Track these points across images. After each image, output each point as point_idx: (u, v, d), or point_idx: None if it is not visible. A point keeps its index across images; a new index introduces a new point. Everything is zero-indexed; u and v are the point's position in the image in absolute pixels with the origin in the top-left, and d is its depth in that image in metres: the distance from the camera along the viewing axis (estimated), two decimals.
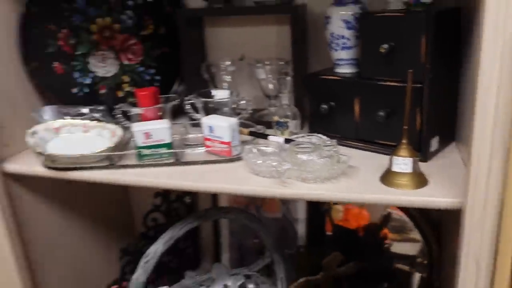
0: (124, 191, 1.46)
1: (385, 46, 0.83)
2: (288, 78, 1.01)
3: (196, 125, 1.02)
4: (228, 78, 1.13)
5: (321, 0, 1.02)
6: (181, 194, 1.36)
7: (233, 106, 1.00)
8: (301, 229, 1.27)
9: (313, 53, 1.12)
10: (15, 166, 0.99)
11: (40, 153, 0.94)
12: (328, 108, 0.94)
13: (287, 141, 0.90)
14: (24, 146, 1.03)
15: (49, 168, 0.94)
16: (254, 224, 1.10)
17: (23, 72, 1.06)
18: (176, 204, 1.36)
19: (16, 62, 1.05)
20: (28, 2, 1.02)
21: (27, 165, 0.98)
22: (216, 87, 1.12)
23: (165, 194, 1.35)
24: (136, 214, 1.47)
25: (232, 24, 1.18)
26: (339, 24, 0.93)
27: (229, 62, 1.12)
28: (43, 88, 1.09)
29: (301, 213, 1.26)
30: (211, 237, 1.40)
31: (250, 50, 1.16)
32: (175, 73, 1.18)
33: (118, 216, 1.43)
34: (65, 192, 1.17)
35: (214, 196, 1.34)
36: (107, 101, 1.12)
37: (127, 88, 1.15)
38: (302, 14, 1.06)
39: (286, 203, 1.28)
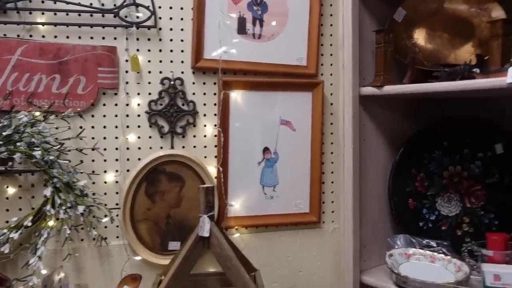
0: None
1: None
2: None
3: None
4: None
5: None
6: None
7: None
8: None
9: None
10: (371, 279, 1.23)
11: (395, 273, 1.14)
12: None
13: None
14: (377, 263, 1.27)
15: (399, 287, 1.13)
16: None
17: (387, 204, 1.33)
18: None
19: (385, 196, 1.33)
20: (401, 153, 1.32)
21: (381, 280, 1.20)
22: None
23: None
24: None
25: None
26: None
27: None
28: (398, 218, 1.33)
29: None
30: None
31: None
32: None
33: None
34: None
35: None
36: (446, 237, 1.27)
37: (465, 228, 1.28)
38: None
39: None
